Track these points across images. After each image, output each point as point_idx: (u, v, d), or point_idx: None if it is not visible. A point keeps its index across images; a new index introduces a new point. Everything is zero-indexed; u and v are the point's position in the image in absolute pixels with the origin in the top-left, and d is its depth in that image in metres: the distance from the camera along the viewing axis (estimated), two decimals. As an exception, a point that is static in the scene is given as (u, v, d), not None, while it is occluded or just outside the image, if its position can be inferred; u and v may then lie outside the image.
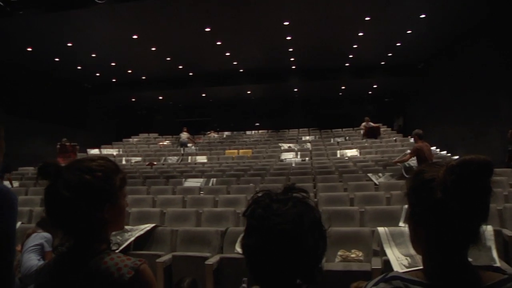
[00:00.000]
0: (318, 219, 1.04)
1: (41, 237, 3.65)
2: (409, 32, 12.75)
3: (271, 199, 1.04)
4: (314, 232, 1.01)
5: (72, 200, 1.14)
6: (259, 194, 1.08)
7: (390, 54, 15.31)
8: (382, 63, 16.54)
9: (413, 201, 1.00)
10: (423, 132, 7.97)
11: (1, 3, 9.46)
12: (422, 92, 16.84)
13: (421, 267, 0.98)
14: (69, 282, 1.16)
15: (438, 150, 13.09)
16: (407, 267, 3.62)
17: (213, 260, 4.19)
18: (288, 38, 13.29)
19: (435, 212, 0.92)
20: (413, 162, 8.02)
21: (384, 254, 3.94)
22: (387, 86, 18.96)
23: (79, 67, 15.73)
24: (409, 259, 3.76)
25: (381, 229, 4.22)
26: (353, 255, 4.10)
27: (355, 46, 14.22)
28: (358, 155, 12.52)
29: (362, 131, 15.82)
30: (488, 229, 3.76)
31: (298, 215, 1.00)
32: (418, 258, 3.63)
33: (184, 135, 16.49)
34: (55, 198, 1.16)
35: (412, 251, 3.85)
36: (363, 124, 15.60)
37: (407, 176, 7.67)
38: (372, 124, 15.49)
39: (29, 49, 13.04)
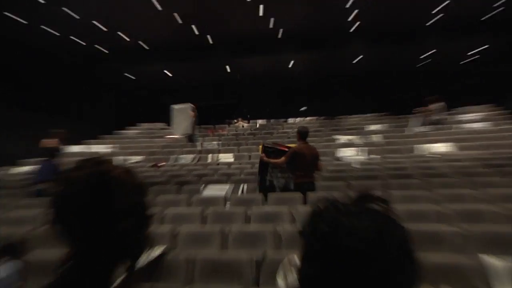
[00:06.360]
0: (406, 239, 1.06)
1: (9, 267, 3.73)
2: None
3: (339, 212, 1.06)
4: (401, 257, 1.02)
5: None
6: (321, 205, 1.10)
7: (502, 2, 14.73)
8: (489, 15, 16.00)
9: None
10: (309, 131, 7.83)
11: None
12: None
13: None
14: None
15: None
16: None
17: (245, 299, 4.18)
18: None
19: None
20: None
21: (497, 297, 3.83)
22: (497, 49, 18.39)
23: (56, 33, 16.01)
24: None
25: (491, 260, 4.11)
26: (447, 296, 3.99)
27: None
28: (454, 150, 12.27)
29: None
30: None
31: (379, 233, 1.02)
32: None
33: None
34: None
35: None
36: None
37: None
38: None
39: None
